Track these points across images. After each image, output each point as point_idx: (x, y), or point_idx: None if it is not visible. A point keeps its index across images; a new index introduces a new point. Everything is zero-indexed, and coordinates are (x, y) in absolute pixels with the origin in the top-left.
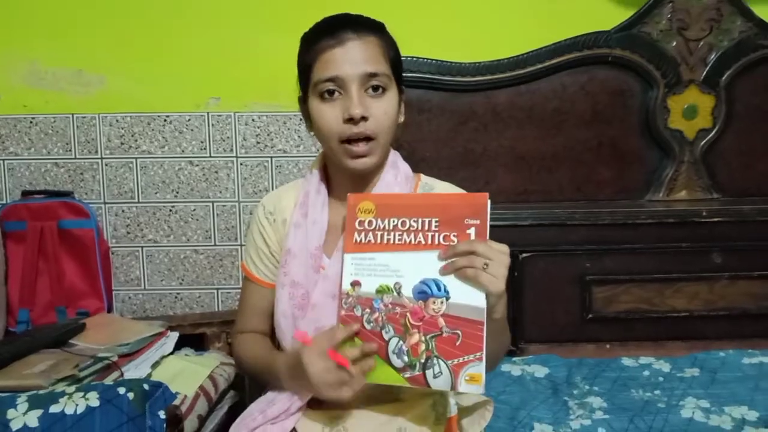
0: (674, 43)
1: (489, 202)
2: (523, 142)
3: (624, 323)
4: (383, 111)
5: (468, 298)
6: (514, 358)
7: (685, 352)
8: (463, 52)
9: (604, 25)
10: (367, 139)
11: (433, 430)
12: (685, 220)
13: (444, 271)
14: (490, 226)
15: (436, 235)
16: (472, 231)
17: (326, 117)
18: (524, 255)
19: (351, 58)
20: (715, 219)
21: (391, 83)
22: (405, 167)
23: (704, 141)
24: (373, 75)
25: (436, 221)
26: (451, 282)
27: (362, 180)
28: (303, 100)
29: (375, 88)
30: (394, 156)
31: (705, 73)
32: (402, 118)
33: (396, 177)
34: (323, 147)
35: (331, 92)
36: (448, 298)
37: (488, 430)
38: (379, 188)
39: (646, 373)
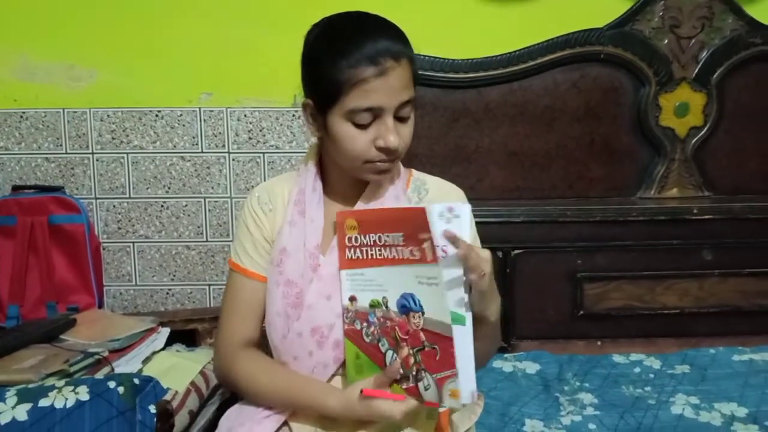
0: (666, 41)
1: (431, 212)
2: (516, 138)
3: (615, 320)
4: (409, 133)
5: (436, 313)
6: (505, 355)
7: (676, 349)
8: (455, 48)
9: (597, 22)
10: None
11: (425, 426)
12: (675, 218)
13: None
14: (483, 223)
15: (404, 249)
16: (427, 245)
17: (358, 142)
18: (516, 252)
19: (391, 87)
20: (706, 216)
21: (413, 101)
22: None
23: (695, 139)
24: (407, 102)
25: (402, 236)
26: (423, 296)
27: (360, 179)
28: (316, 109)
29: (405, 113)
30: None
31: (696, 70)
32: None
33: (392, 175)
34: (339, 161)
35: (366, 119)
36: (423, 313)
37: (479, 426)
38: (373, 187)
39: (637, 369)
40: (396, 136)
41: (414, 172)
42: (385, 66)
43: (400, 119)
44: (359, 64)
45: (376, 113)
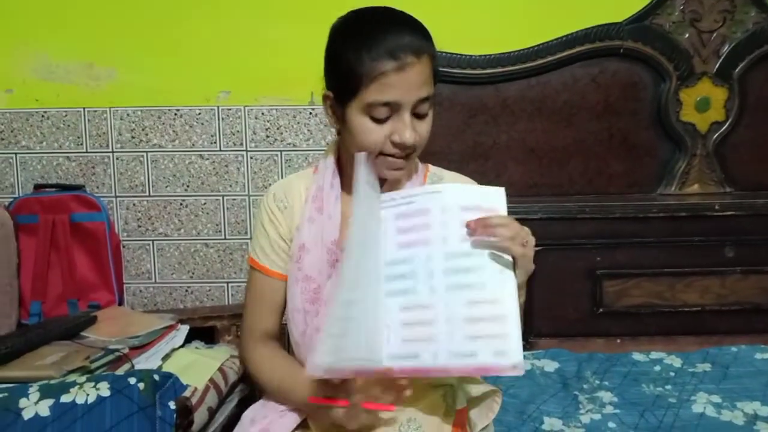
0: (687, 35)
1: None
2: (534, 134)
3: (635, 317)
4: (426, 130)
5: None
6: (523, 353)
7: (697, 347)
8: (473, 44)
9: (616, 16)
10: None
11: (443, 421)
12: (697, 214)
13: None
14: None
15: None
16: None
17: (374, 136)
18: (534, 249)
19: (409, 83)
20: (728, 213)
21: (432, 99)
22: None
23: (717, 134)
24: (424, 99)
25: None
26: None
27: (378, 176)
28: (336, 102)
29: (423, 110)
30: None
31: (718, 65)
32: None
33: (409, 170)
34: (354, 152)
35: (384, 114)
36: None
37: (498, 424)
38: (391, 184)
39: (657, 368)
40: (412, 132)
41: (430, 167)
42: (405, 61)
43: (417, 116)
44: (380, 58)
45: (393, 108)
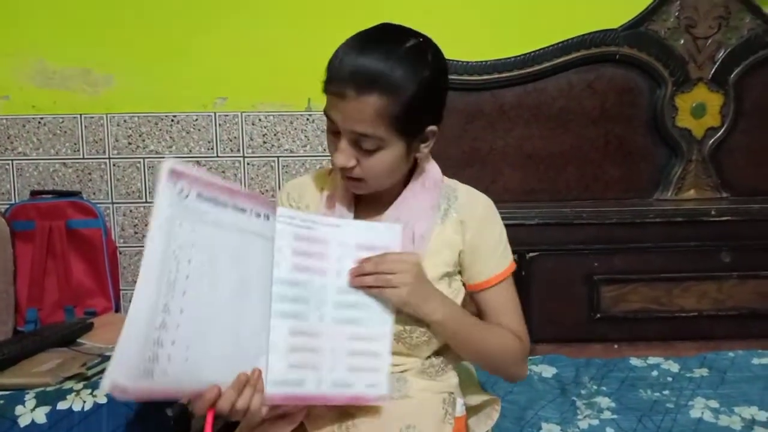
0: (682, 41)
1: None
2: (530, 140)
3: (632, 323)
4: (372, 165)
5: None
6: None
7: (694, 352)
8: (469, 50)
9: (612, 23)
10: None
11: (441, 429)
12: (693, 219)
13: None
14: None
15: None
16: None
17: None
18: (531, 254)
19: (344, 113)
20: (724, 218)
21: (387, 141)
22: (435, 171)
23: (713, 139)
24: (363, 135)
25: None
26: None
27: (391, 187)
28: None
29: (365, 145)
30: (424, 162)
31: (713, 71)
32: (426, 151)
33: (424, 183)
34: None
35: (332, 125)
36: None
37: (496, 430)
38: (405, 198)
39: (655, 373)
40: (344, 156)
41: (445, 179)
42: (342, 91)
43: (363, 151)
44: (330, 76)
45: (335, 126)
